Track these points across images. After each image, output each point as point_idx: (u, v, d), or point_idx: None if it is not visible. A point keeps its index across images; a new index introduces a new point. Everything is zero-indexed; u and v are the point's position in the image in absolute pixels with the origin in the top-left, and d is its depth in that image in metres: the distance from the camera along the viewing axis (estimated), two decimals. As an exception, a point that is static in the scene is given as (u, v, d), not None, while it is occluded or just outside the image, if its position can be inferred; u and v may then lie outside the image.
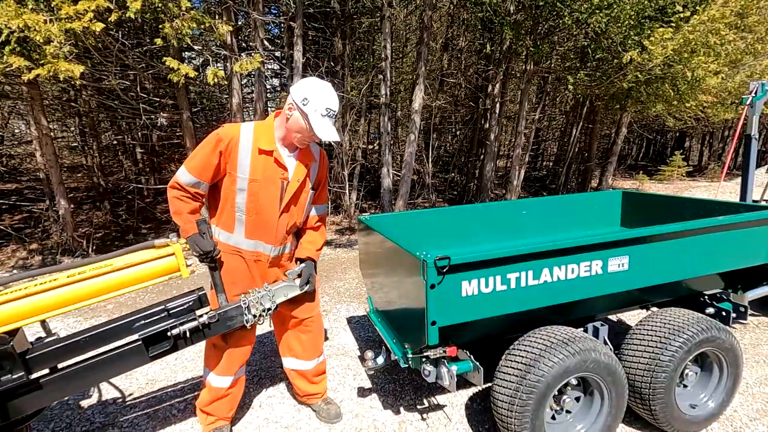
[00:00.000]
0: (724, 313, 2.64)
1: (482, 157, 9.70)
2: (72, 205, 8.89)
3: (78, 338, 1.80)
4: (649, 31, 6.21)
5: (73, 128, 9.43)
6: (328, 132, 2.03)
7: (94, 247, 6.73)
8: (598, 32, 6.59)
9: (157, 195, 9.83)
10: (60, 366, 1.85)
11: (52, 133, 9.88)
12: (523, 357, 2.08)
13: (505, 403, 2.05)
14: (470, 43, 10.65)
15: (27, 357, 1.72)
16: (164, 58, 4.53)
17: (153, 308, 1.93)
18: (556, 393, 2.10)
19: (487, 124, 9.41)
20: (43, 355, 1.75)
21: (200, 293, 1.99)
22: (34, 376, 1.78)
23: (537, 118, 10.94)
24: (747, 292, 2.74)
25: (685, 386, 2.44)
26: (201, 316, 1.95)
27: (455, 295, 1.87)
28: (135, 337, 1.86)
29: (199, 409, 2.34)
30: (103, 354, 1.85)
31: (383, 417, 2.61)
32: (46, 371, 1.81)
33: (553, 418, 2.21)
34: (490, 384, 2.20)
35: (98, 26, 3.88)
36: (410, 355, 2.11)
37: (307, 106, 1.99)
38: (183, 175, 2.02)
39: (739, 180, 4.51)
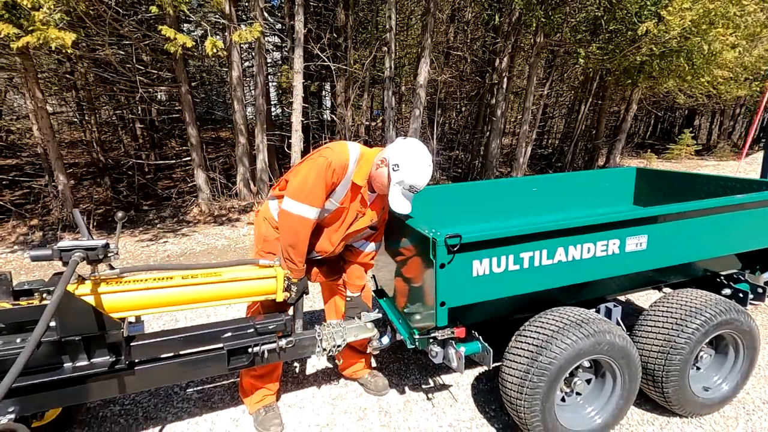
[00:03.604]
0: (741, 294, 2.55)
1: (488, 133, 9.49)
2: (72, 181, 8.80)
3: (176, 336, 1.91)
4: (666, 1, 5.92)
5: (71, 102, 9.23)
6: (401, 206, 1.99)
7: (95, 224, 6.67)
8: (612, 1, 6.30)
9: (157, 171, 9.71)
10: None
11: (49, 108, 9.70)
12: (534, 338, 2.01)
13: (515, 385, 1.99)
14: (477, 15, 10.27)
15: (131, 344, 1.81)
16: (160, 27, 4.33)
17: (242, 323, 2.03)
18: (567, 375, 2.04)
19: (494, 100, 9.16)
20: (144, 346, 1.84)
21: (286, 318, 2.05)
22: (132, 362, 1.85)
23: (545, 93, 10.65)
24: (765, 272, 2.64)
25: (698, 368, 2.38)
26: (280, 339, 2.04)
27: (466, 275, 1.78)
28: (220, 345, 1.94)
29: (244, 384, 2.36)
30: (189, 355, 1.94)
31: (388, 397, 2.57)
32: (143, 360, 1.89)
33: (563, 400, 2.16)
34: (498, 364, 2.14)
35: (88, -10, 3.69)
36: (417, 336, 2.04)
37: (395, 173, 1.95)
38: (308, 211, 1.97)
39: (752, 158, 4.35)
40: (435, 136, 9.42)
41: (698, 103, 13.92)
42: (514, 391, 2.00)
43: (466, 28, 10.39)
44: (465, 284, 1.80)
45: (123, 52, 6.11)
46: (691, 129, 16.52)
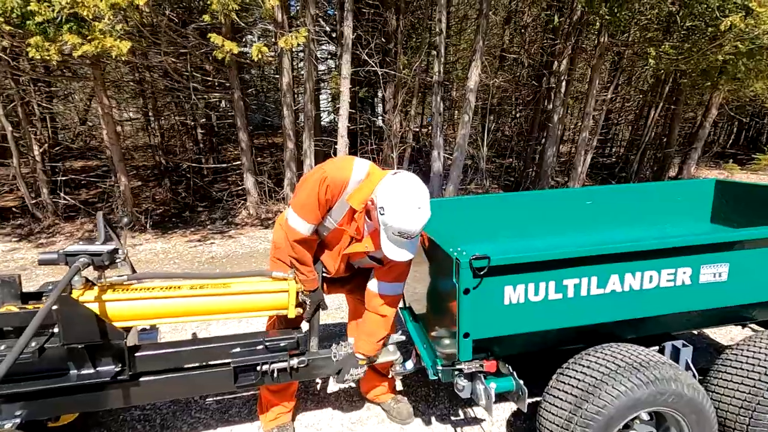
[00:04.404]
0: None
1: (543, 140, 8.94)
2: (139, 182, 9.43)
3: (182, 349, 1.84)
4: (757, -9, 5.20)
5: (140, 109, 9.92)
6: (396, 253, 1.71)
7: (152, 222, 7.02)
8: (690, -6, 5.66)
9: (215, 174, 10.15)
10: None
11: (125, 114, 10.47)
12: (580, 380, 1.70)
13: (554, 433, 1.70)
14: (536, 17, 9.76)
15: (135, 354, 1.76)
16: (209, 35, 4.44)
17: (252, 338, 1.92)
18: (621, 428, 1.71)
19: (551, 105, 8.62)
20: (149, 357, 1.79)
21: (299, 335, 1.95)
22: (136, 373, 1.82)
23: (609, 98, 9.87)
24: None
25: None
26: (292, 358, 1.91)
27: (496, 302, 1.53)
28: (228, 361, 1.86)
29: (262, 398, 2.23)
30: (195, 370, 1.87)
31: (412, 427, 2.34)
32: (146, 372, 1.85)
33: (615, 455, 1.82)
34: (537, 399, 1.85)
35: (141, 0, 3.84)
36: (440, 367, 1.81)
37: (382, 218, 1.67)
38: (301, 226, 1.81)
39: None
40: (486, 143, 9.03)
41: (793, 108, 12.30)
42: (553, 439, 1.70)
43: (523, 31, 9.92)
44: (494, 313, 1.55)
45: (179, 61, 6.39)
46: (783, 137, 14.65)
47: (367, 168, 1.80)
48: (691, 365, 1.93)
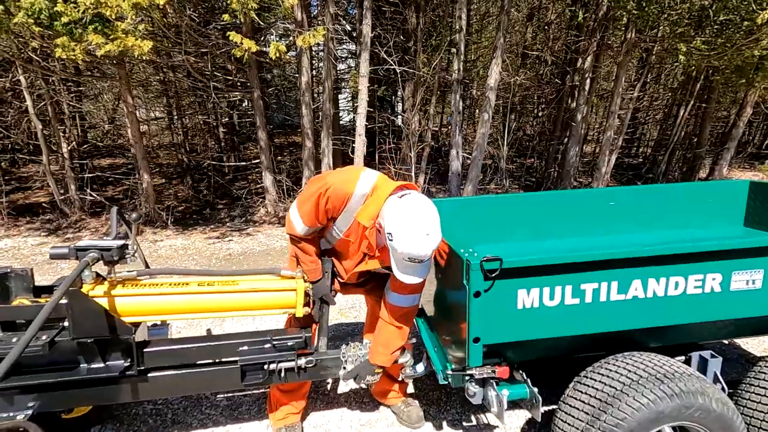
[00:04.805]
0: None
1: (566, 140, 8.72)
2: (163, 180, 9.65)
3: (190, 346, 1.84)
4: (798, -18, 4.91)
5: (164, 108, 10.15)
6: (406, 276, 1.67)
7: (173, 219, 7.16)
8: (724, -13, 5.40)
9: (236, 172, 10.30)
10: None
11: (143, 113, 10.72)
12: (598, 390, 1.62)
13: (570, 444, 1.62)
14: (559, 15, 9.52)
15: (144, 350, 1.77)
16: (228, 33, 4.48)
17: (260, 336, 1.91)
18: (642, 441, 1.61)
19: (574, 104, 8.39)
20: (157, 354, 1.80)
21: (306, 335, 1.93)
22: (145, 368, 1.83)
23: (635, 96, 9.54)
24: None
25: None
26: (300, 357, 1.89)
27: (508, 306, 1.46)
28: (235, 359, 1.86)
29: (272, 396, 2.22)
30: (203, 367, 1.87)
31: (422, 431, 2.29)
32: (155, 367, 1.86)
33: (635, 470, 1.72)
34: (553, 407, 1.77)
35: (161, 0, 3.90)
36: (450, 371, 1.75)
37: (390, 243, 1.62)
38: (298, 224, 1.82)
39: None
40: (506, 142, 8.86)
41: (836, 106, 11.63)
42: (568, 452, 1.62)
43: (546, 27, 9.69)
44: (506, 318, 1.48)
45: (201, 60, 6.49)
46: (825, 137, 13.89)
47: (374, 181, 1.74)
48: (720, 377, 1.81)
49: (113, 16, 3.95)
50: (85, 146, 9.04)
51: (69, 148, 7.18)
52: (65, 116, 7.63)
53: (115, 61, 5.86)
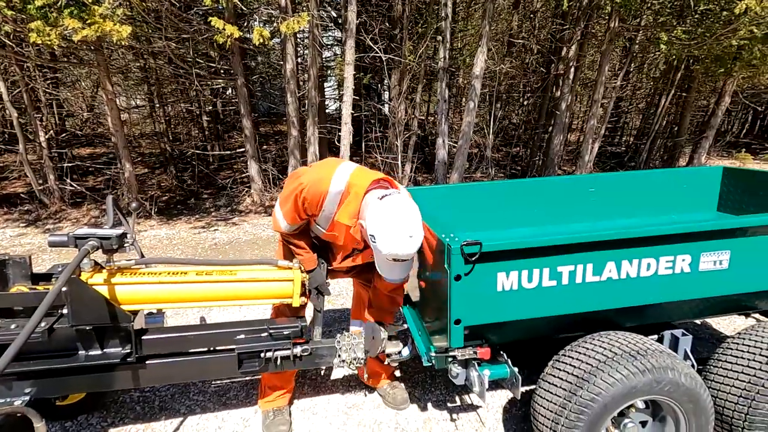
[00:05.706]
0: None
1: (551, 128, 8.81)
2: (145, 169, 9.47)
3: (187, 333, 1.85)
4: (774, -28, 5.02)
5: (144, 96, 9.92)
6: (391, 273, 1.78)
7: (157, 209, 7.07)
8: (704, -23, 5.48)
9: (221, 161, 10.17)
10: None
11: (123, 101, 10.46)
12: (575, 367, 1.69)
13: (548, 420, 1.69)
14: (544, 3, 9.54)
15: (142, 337, 1.78)
16: (210, 18, 4.39)
17: (257, 325, 1.93)
18: (615, 415, 1.69)
19: (559, 92, 8.47)
20: (155, 341, 1.81)
21: (302, 324, 1.96)
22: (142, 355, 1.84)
23: (618, 85, 9.67)
24: None
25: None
26: (296, 346, 1.92)
27: (488, 289, 1.51)
28: (232, 347, 1.87)
29: (262, 380, 2.27)
30: (200, 354, 1.88)
31: (407, 412, 2.35)
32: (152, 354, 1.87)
33: (609, 443, 1.81)
34: (532, 387, 1.84)
35: (140, -17, 3.80)
36: (433, 353, 1.80)
37: (373, 244, 1.65)
38: (282, 222, 1.88)
39: None
40: (492, 130, 8.92)
41: (810, 95, 11.97)
42: (546, 426, 1.70)
43: (531, 15, 9.71)
44: (486, 300, 1.53)
45: (182, 46, 6.35)
46: (799, 126, 14.28)
47: (347, 178, 1.74)
48: (690, 354, 1.91)
49: (90, 0, 3.84)
50: (64, 135, 8.79)
51: (47, 136, 6.99)
52: (42, 104, 7.41)
53: (92, 47, 5.69)
